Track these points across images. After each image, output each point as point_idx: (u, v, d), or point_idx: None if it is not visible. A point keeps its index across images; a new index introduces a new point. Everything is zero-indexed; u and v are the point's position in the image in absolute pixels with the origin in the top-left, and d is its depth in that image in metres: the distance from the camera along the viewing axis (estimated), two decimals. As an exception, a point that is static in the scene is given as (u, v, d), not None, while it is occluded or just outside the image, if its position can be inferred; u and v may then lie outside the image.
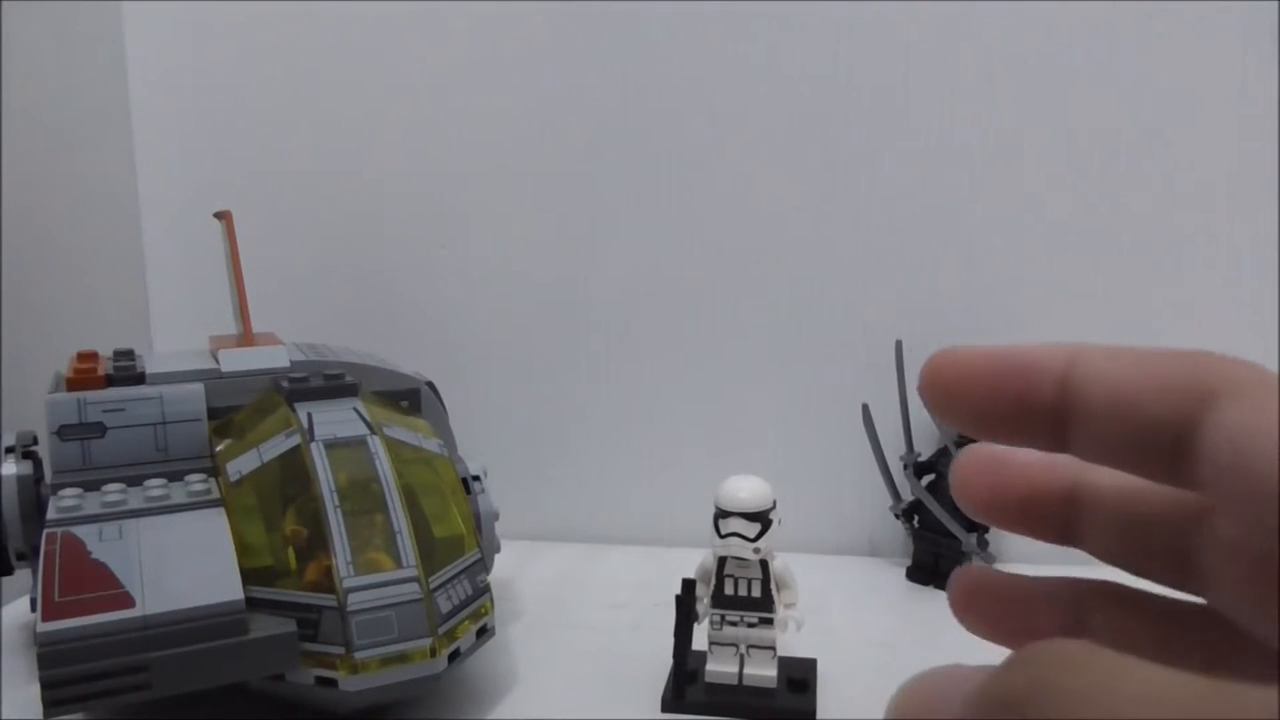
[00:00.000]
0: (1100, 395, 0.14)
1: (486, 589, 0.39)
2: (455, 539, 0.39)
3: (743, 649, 0.39)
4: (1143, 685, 0.10)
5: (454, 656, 0.36)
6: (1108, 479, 0.16)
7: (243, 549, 0.35)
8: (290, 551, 0.36)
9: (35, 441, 0.43)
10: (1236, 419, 0.12)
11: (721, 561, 0.39)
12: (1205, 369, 0.13)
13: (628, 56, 0.57)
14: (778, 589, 0.39)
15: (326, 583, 0.34)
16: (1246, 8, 0.49)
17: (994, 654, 0.13)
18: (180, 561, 0.34)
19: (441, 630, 0.35)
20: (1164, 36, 0.51)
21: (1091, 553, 0.17)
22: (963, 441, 0.47)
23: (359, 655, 0.33)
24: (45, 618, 0.31)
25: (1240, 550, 0.14)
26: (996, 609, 0.17)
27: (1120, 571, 0.17)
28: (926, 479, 0.53)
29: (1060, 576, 0.17)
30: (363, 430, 0.39)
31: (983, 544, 0.51)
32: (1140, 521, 0.16)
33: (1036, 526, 0.17)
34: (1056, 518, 0.17)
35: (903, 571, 0.54)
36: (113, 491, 0.38)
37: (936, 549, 0.52)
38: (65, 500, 0.37)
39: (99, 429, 0.40)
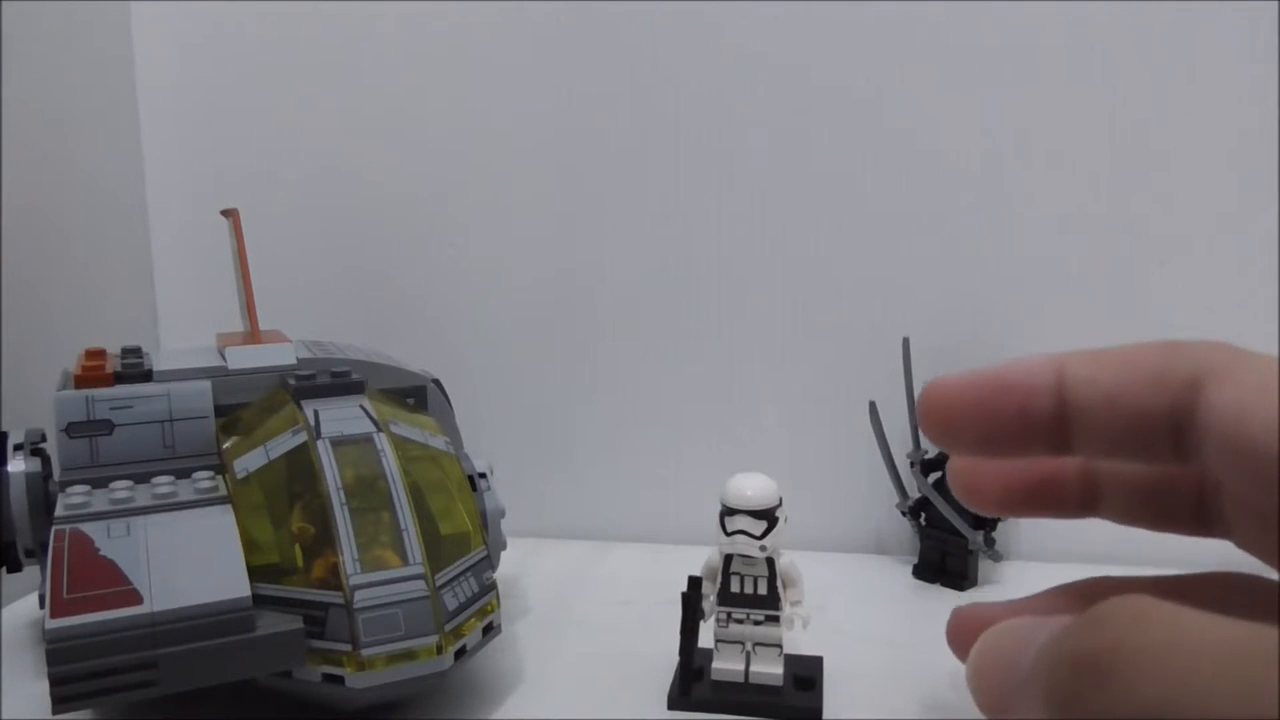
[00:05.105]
0: (1097, 398, 0.15)
1: (493, 586, 0.39)
2: (461, 536, 0.39)
3: (749, 646, 0.39)
4: (1207, 634, 0.11)
5: (460, 654, 0.36)
6: None
7: (250, 546, 0.36)
8: (297, 548, 0.36)
9: (44, 439, 0.43)
10: (1225, 399, 0.13)
11: (727, 559, 0.39)
12: (1187, 358, 0.14)
13: (632, 55, 0.57)
14: (784, 586, 0.39)
15: (333, 580, 0.34)
16: (1246, 7, 0.49)
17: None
18: (188, 558, 0.34)
19: (448, 627, 0.35)
20: (1165, 36, 0.50)
21: (1111, 518, 0.18)
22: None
23: (366, 652, 0.34)
24: (54, 614, 0.31)
25: (1251, 506, 0.15)
26: None
27: (1107, 558, 0.18)
28: (933, 476, 0.53)
29: (1051, 589, 0.18)
30: (369, 427, 0.39)
31: (989, 542, 0.51)
32: (1160, 483, 0.17)
33: (1054, 507, 0.18)
34: (1073, 496, 0.18)
35: (909, 569, 0.54)
36: (120, 489, 0.38)
37: (943, 546, 0.52)
38: (73, 497, 0.37)
39: (107, 426, 0.40)
